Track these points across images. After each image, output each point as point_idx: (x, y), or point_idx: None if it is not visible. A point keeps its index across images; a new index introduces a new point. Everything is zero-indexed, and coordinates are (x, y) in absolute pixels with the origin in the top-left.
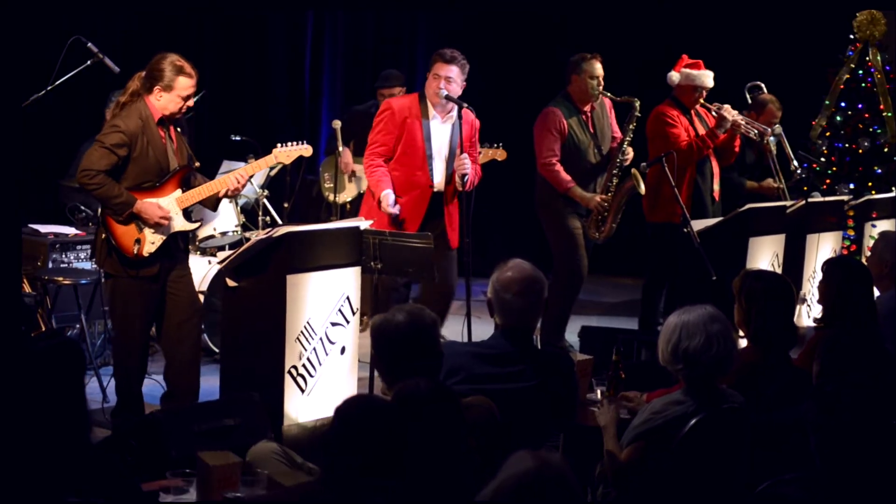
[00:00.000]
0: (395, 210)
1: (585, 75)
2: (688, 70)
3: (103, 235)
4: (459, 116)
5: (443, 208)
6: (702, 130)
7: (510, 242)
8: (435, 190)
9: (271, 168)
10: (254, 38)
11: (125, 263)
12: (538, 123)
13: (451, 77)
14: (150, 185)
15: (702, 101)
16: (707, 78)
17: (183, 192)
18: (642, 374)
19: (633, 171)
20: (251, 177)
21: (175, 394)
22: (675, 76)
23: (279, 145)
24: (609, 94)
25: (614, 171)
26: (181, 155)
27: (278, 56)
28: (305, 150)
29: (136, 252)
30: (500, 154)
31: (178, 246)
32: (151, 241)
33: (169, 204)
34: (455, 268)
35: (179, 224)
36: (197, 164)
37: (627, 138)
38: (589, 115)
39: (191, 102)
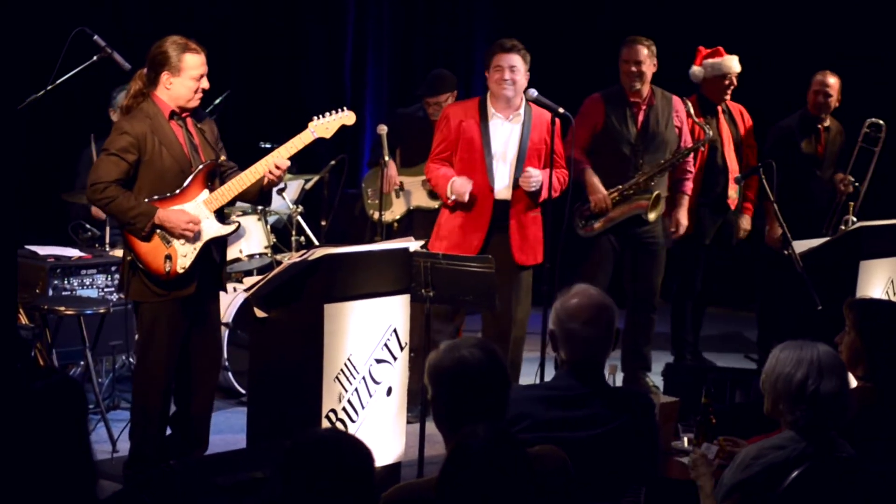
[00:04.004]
0: (469, 187)
1: (620, 60)
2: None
3: (129, 257)
4: (530, 115)
5: (508, 220)
6: (726, 129)
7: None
8: (497, 197)
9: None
10: (284, 30)
11: (158, 285)
12: None
13: (516, 67)
14: (172, 190)
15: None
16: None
17: (211, 191)
18: (736, 418)
19: (658, 193)
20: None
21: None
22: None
23: (315, 117)
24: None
25: (639, 181)
26: (205, 150)
27: (314, 51)
28: (347, 117)
29: (167, 270)
30: None
31: (214, 257)
32: (184, 255)
33: (196, 208)
34: (522, 295)
35: (212, 229)
36: (223, 157)
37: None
38: (642, 108)
39: (205, 84)
